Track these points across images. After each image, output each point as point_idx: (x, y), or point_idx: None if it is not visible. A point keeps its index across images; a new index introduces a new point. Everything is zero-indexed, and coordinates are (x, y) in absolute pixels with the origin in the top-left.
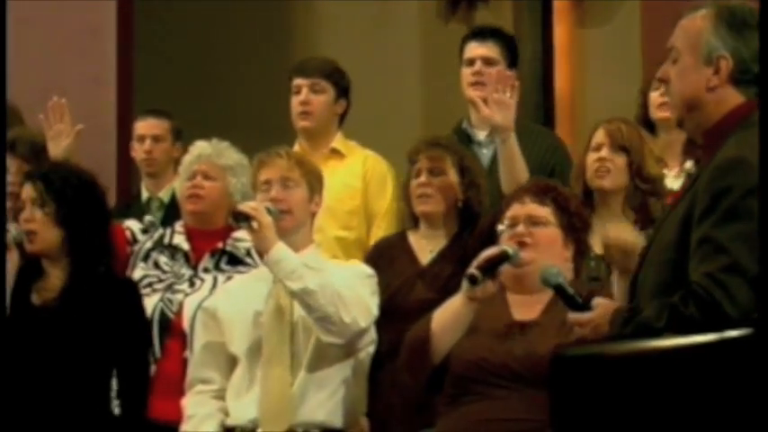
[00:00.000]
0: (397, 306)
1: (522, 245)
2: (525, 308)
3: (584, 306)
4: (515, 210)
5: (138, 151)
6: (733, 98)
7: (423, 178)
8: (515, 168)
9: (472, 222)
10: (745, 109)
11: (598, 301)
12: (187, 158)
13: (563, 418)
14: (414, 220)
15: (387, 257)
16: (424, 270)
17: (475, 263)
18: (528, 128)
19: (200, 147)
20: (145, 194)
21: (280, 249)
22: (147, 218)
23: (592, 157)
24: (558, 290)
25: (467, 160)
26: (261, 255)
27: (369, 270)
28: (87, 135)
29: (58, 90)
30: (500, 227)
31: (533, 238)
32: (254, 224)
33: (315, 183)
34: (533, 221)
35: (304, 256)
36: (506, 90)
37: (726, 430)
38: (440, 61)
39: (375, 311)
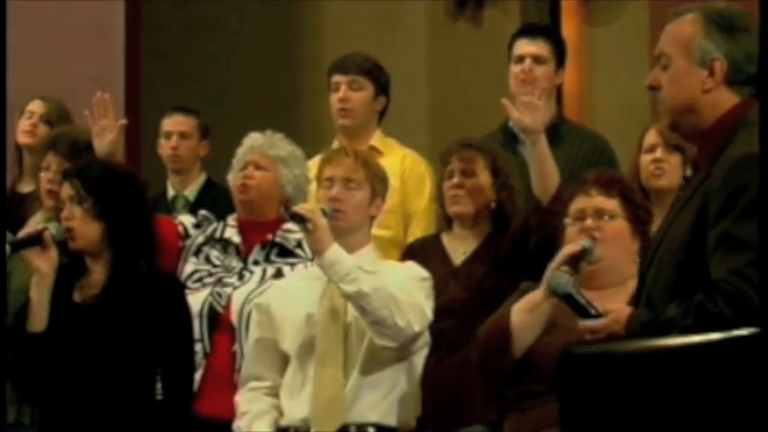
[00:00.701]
0: None
1: (592, 240)
2: (601, 304)
3: (598, 315)
4: (582, 202)
5: (164, 148)
6: (728, 99)
7: (455, 180)
8: (545, 170)
9: (505, 223)
10: (742, 108)
11: (610, 307)
12: (240, 150)
13: (572, 416)
14: (448, 221)
15: (420, 258)
16: (456, 270)
17: (557, 260)
18: (574, 128)
19: (252, 138)
20: (171, 192)
21: (335, 252)
22: (202, 212)
23: (646, 158)
24: (568, 299)
25: (500, 161)
26: (315, 257)
27: (424, 273)
28: None
29: (65, 90)
30: (566, 220)
31: (602, 233)
32: (310, 226)
33: (378, 185)
34: (601, 214)
35: (359, 257)
36: (535, 92)
37: (735, 428)
38: (447, 60)
39: (430, 315)
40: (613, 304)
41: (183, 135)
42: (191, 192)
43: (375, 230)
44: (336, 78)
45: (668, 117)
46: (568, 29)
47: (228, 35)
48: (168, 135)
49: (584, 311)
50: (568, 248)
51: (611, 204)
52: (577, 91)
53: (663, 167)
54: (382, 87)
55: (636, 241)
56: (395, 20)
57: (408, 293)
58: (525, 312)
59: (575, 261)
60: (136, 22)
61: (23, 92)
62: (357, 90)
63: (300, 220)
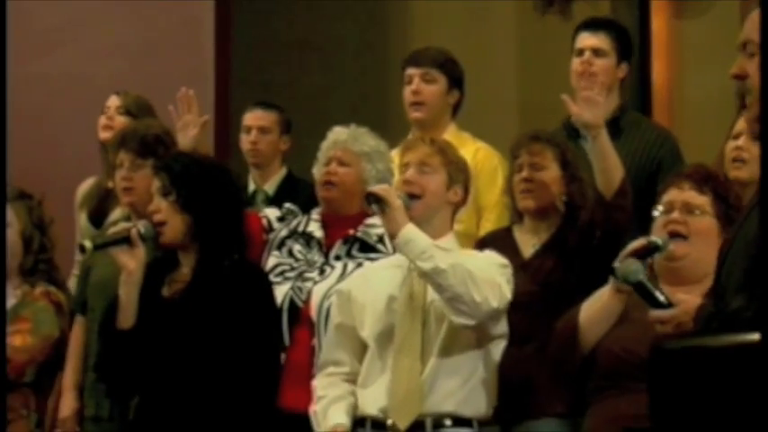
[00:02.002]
0: None
1: (676, 234)
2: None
3: (668, 304)
4: (673, 195)
5: (244, 142)
6: None
7: (524, 173)
8: (608, 165)
9: (575, 216)
10: None
11: (681, 298)
12: (324, 144)
13: (662, 411)
14: (518, 215)
15: (492, 251)
16: (526, 263)
17: (621, 255)
18: (636, 120)
19: (336, 132)
20: (251, 186)
21: (409, 230)
22: (286, 205)
23: (730, 145)
24: (639, 287)
25: (569, 154)
26: (392, 238)
27: (503, 260)
28: None
29: (156, 85)
30: (655, 211)
31: (688, 228)
32: (384, 206)
33: (456, 173)
34: (690, 209)
35: (439, 243)
36: (595, 88)
37: None
38: (536, 55)
39: (508, 294)
40: (684, 295)
41: (262, 130)
42: (270, 186)
43: None
44: (410, 71)
45: (754, 107)
46: (658, 23)
47: (318, 32)
48: (248, 130)
49: (654, 301)
50: (635, 243)
51: (702, 200)
52: (667, 85)
53: (743, 156)
54: (456, 81)
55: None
56: (484, 15)
57: (486, 271)
58: (593, 308)
59: (643, 255)
60: (227, 17)
61: (116, 89)
62: (430, 83)
63: (376, 200)
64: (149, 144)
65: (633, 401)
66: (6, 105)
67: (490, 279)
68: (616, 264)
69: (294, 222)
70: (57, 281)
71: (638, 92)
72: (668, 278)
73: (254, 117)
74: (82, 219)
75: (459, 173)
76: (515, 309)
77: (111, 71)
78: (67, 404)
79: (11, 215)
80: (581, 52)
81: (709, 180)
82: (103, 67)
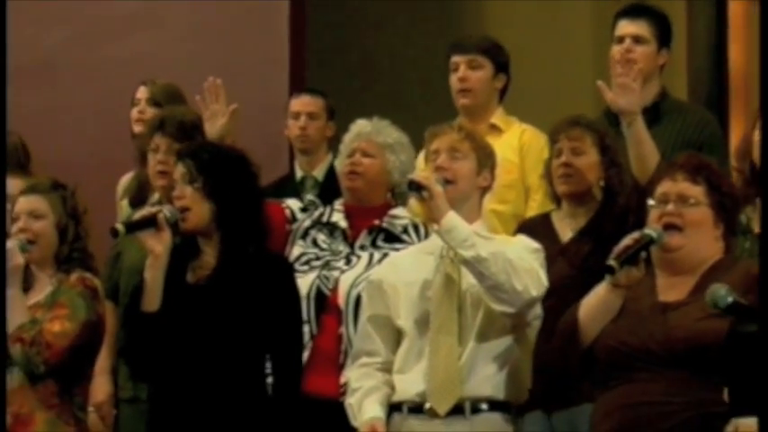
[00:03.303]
0: None
1: (671, 226)
2: (673, 289)
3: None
4: (666, 186)
5: (292, 128)
6: None
7: (563, 158)
8: (643, 151)
9: (613, 201)
10: None
11: None
12: (347, 136)
13: (740, 393)
14: (557, 200)
15: (530, 236)
16: (564, 248)
17: (614, 251)
18: (677, 104)
19: (359, 125)
20: (299, 173)
21: (452, 218)
22: (308, 197)
23: (757, 133)
24: (733, 309)
25: (607, 139)
26: (433, 224)
27: (535, 244)
28: (260, 114)
29: (231, 70)
30: (650, 201)
31: (683, 219)
32: (426, 194)
33: (484, 158)
34: (684, 200)
35: (473, 228)
36: (631, 74)
37: None
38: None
39: (546, 282)
40: None
41: (311, 116)
42: (319, 172)
43: (495, 205)
44: (455, 58)
45: None
46: (735, 6)
47: (394, 16)
48: (296, 115)
49: (750, 314)
50: (627, 240)
51: (695, 191)
52: (743, 67)
53: None
54: (501, 65)
55: (719, 227)
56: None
57: (524, 260)
58: (591, 304)
59: (635, 252)
60: (301, 1)
61: (191, 73)
62: (476, 69)
63: (417, 187)
64: (187, 130)
65: (634, 390)
66: (6, 105)
67: (529, 267)
68: (608, 261)
69: (317, 213)
70: (91, 268)
71: (713, 77)
72: (664, 268)
73: (302, 103)
74: (124, 207)
75: (486, 158)
76: (553, 293)
77: (186, 55)
78: (101, 388)
79: (45, 207)
80: (621, 39)
81: (701, 169)
82: (178, 52)
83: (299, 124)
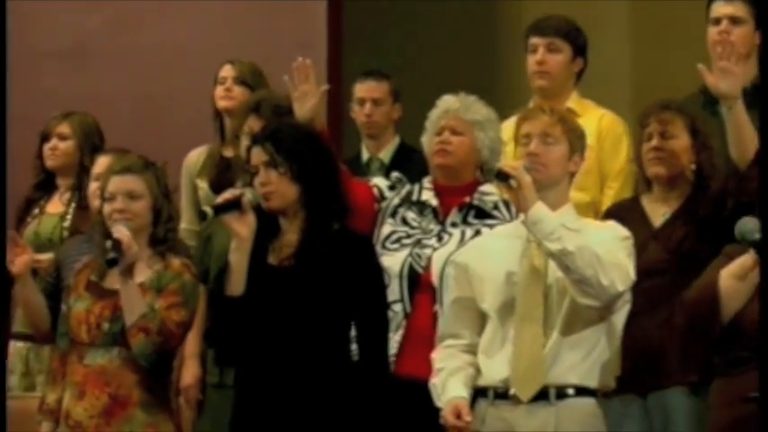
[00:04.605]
0: None
1: None
2: None
3: None
4: None
5: (358, 114)
6: None
7: (654, 142)
8: (743, 136)
9: (705, 185)
10: None
11: None
12: (434, 113)
13: None
14: (647, 183)
15: (619, 221)
16: (656, 232)
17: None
18: None
19: (447, 101)
20: (365, 155)
21: (539, 209)
22: (395, 174)
23: None
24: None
25: (698, 123)
26: (520, 214)
27: (625, 232)
28: None
29: (268, 55)
30: None
31: None
32: (514, 183)
33: (576, 141)
34: None
35: (560, 213)
36: (732, 58)
37: None
38: (649, 20)
39: (632, 275)
40: None
41: (376, 102)
42: (385, 154)
43: (573, 192)
44: (534, 40)
45: None
46: None
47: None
48: (362, 102)
49: None
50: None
51: None
52: None
53: None
54: (580, 49)
55: None
56: None
57: (611, 253)
58: (734, 278)
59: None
60: None
61: (226, 58)
62: (555, 52)
63: (505, 177)
64: (282, 113)
65: None
66: (6, 104)
67: (616, 261)
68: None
69: (405, 191)
70: (180, 250)
71: None
72: None
73: (366, 89)
74: (203, 188)
75: (578, 141)
76: (646, 278)
77: (221, 40)
78: (190, 372)
79: (142, 187)
80: (717, 21)
81: None
82: (214, 37)
83: (364, 111)
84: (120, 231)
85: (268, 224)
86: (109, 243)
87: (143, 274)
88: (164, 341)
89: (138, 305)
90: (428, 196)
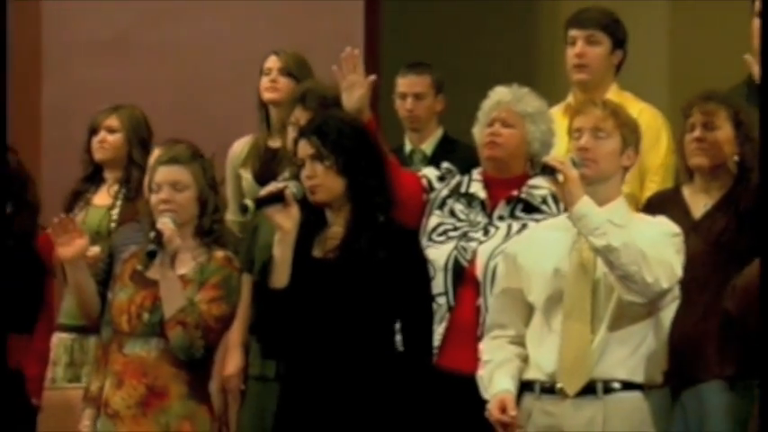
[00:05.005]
0: None
1: None
2: None
3: None
4: None
5: (400, 108)
6: None
7: (696, 133)
8: None
9: (747, 176)
10: None
11: None
12: (486, 104)
13: None
14: (689, 174)
15: (660, 211)
16: (696, 223)
17: None
18: None
19: (499, 93)
20: (408, 147)
21: (585, 204)
22: (445, 165)
23: None
24: None
25: (742, 114)
26: (566, 208)
27: (675, 228)
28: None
29: (304, 47)
30: None
31: None
32: (560, 177)
33: (629, 135)
34: None
35: (610, 209)
36: None
37: None
38: (688, 11)
39: (679, 272)
40: None
41: (417, 96)
42: (428, 146)
43: None
44: (573, 33)
45: None
46: None
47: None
48: (403, 96)
49: None
50: None
51: None
52: None
53: None
54: (619, 41)
55: None
56: None
57: (657, 249)
58: None
59: None
60: None
61: (266, 50)
62: (594, 45)
63: (551, 171)
64: (328, 104)
65: None
66: (7, 103)
67: (662, 259)
68: None
69: (454, 182)
70: (226, 242)
71: None
72: None
73: (408, 83)
74: (247, 179)
75: (631, 134)
76: (685, 269)
77: (259, 33)
78: (234, 362)
79: (188, 178)
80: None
81: None
82: (251, 30)
83: (406, 106)
84: (164, 224)
85: (315, 216)
86: (152, 234)
87: (186, 265)
88: (202, 335)
89: (178, 298)
90: (477, 188)
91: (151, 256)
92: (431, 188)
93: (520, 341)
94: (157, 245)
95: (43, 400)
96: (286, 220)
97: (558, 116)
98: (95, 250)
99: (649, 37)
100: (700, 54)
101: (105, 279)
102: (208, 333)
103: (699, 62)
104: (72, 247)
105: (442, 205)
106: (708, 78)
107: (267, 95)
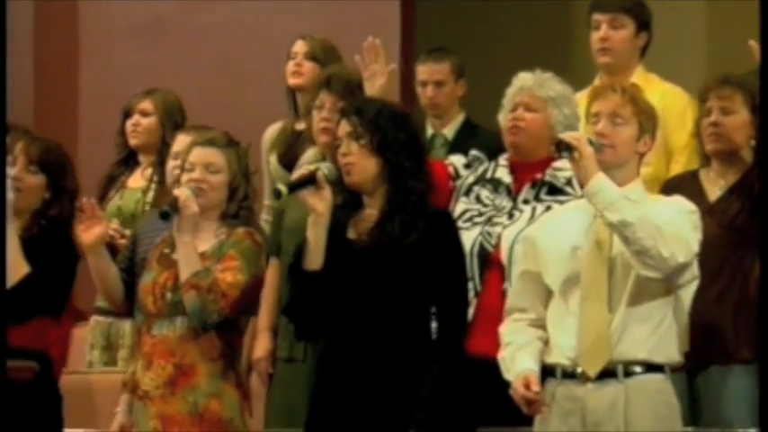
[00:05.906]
0: None
1: None
2: None
3: None
4: None
5: (421, 96)
6: None
7: (713, 117)
8: None
9: None
10: None
11: None
12: (510, 90)
13: None
14: (706, 158)
15: (677, 194)
16: (711, 206)
17: None
18: None
19: (522, 78)
20: (429, 131)
21: (599, 180)
22: (472, 152)
23: None
24: None
25: (759, 98)
26: (581, 185)
27: (691, 206)
28: None
29: (340, 32)
30: None
31: None
32: (575, 154)
33: (646, 122)
34: None
35: (626, 189)
36: None
37: None
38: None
39: (695, 247)
40: None
41: (438, 83)
42: (449, 131)
43: None
44: (597, 17)
45: None
46: None
47: None
48: (424, 84)
49: None
50: None
51: None
52: None
53: None
54: (644, 23)
55: None
56: None
57: (674, 225)
58: None
59: None
60: None
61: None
62: (618, 28)
63: (566, 147)
64: (353, 89)
65: None
66: (6, 102)
67: (678, 233)
68: None
69: (481, 169)
70: (255, 226)
71: None
72: None
73: (428, 71)
74: (272, 162)
75: (648, 121)
76: (700, 252)
77: (295, 18)
78: (262, 345)
79: (222, 162)
80: None
81: None
82: (288, 14)
83: (426, 94)
84: (182, 191)
85: (351, 198)
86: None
87: (207, 243)
88: (214, 300)
89: (193, 263)
90: (502, 173)
91: (164, 216)
92: (457, 175)
93: (540, 324)
94: (171, 208)
95: (67, 384)
96: (319, 203)
97: (584, 100)
98: (114, 226)
99: (687, 22)
100: (738, 39)
101: (129, 266)
102: (220, 298)
103: (736, 47)
104: (91, 233)
105: (468, 192)
106: (743, 61)
107: (291, 80)
